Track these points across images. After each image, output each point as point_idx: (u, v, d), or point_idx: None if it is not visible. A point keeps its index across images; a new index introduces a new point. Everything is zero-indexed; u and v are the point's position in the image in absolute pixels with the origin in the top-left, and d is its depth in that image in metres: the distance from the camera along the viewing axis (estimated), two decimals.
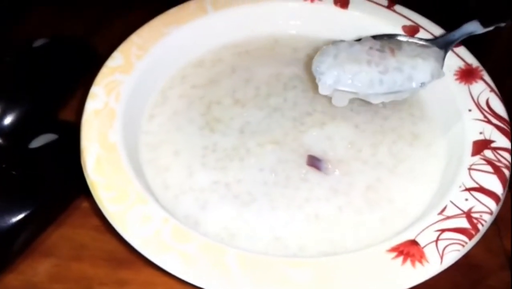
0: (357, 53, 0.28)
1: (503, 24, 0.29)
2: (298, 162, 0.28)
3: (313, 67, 0.29)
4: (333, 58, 0.28)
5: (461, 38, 0.30)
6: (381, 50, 0.28)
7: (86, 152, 0.26)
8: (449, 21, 0.32)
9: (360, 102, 0.31)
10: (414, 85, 0.28)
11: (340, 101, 0.29)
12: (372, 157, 0.29)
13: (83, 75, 0.36)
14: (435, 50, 0.29)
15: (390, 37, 0.31)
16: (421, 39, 0.31)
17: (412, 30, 0.32)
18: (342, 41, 0.29)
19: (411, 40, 0.31)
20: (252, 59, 0.34)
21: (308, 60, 0.33)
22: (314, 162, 0.28)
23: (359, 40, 0.30)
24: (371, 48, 0.28)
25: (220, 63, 0.33)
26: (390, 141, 0.29)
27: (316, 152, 0.29)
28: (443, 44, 0.30)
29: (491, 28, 0.29)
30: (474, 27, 0.30)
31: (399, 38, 0.31)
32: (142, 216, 0.24)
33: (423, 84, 0.28)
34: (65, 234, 0.30)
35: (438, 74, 0.28)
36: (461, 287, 0.28)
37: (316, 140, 0.29)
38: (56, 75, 0.35)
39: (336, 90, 0.28)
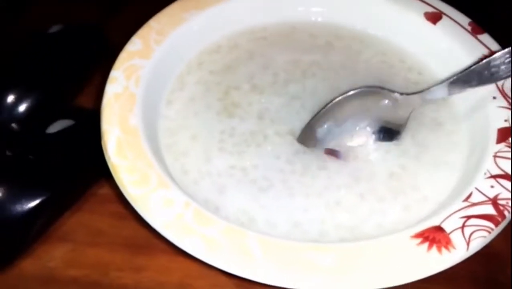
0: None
1: (468, 90, 0.28)
2: (316, 153, 0.28)
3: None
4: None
5: (428, 102, 0.29)
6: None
7: (107, 135, 0.26)
8: (473, 7, 0.31)
9: None
10: None
11: None
12: (394, 145, 0.28)
13: (96, 62, 0.36)
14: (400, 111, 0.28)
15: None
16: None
17: (434, 17, 0.32)
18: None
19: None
20: (269, 45, 0.33)
21: (327, 47, 0.33)
22: (331, 150, 0.28)
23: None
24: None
25: (237, 49, 0.33)
26: (413, 129, 0.29)
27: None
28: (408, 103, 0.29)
29: (457, 93, 0.28)
30: (441, 92, 0.28)
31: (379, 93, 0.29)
32: (164, 199, 0.24)
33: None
34: (82, 220, 0.29)
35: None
36: (479, 277, 0.27)
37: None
38: (71, 61, 0.35)
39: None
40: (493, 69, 0.27)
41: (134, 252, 0.28)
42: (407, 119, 0.29)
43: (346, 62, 0.32)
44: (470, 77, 0.27)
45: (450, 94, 0.28)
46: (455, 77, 0.28)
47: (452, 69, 0.30)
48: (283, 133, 0.29)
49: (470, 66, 0.27)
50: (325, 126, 0.29)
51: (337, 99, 0.29)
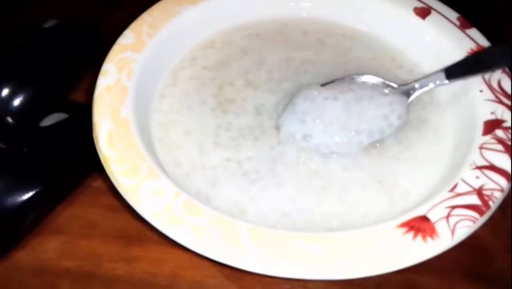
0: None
1: (465, 79, 0.29)
2: (306, 147, 0.28)
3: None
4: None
5: (426, 87, 0.29)
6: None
7: (98, 127, 0.26)
8: (461, 2, 0.32)
9: None
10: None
11: None
12: (379, 143, 0.28)
13: (90, 57, 0.36)
14: (398, 98, 0.29)
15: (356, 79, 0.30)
16: (385, 84, 0.30)
17: (423, 12, 0.32)
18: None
19: (375, 82, 0.30)
20: (262, 42, 0.34)
21: (319, 45, 0.33)
22: None
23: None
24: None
25: (230, 45, 0.33)
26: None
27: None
28: (407, 91, 0.30)
29: (454, 82, 0.29)
30: (439, 79, 0.29)
31: (365, 79, 0.30)
32: (154, 190, 0.24)
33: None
34: (76, 212, 0.30)
35: (394, 125, 0.28)
36: (468, 269, 0.28)
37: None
38: (65, 55, 0.35)
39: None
40: (489, 59, 0.27)
41: (127, 244, 0.28)
42: (405, 115, 0.29)
43: (338, 59, 0.33)
44: (467, 64, 0.28)
45: (447, 80, 0.29)
46: (452, 64, 0.28)
47: (441, 67, 0.31)
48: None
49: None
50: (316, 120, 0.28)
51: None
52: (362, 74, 0.30)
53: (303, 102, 0.29)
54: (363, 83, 0.30)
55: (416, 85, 0.30)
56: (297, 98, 0.29)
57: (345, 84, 0.30)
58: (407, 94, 0.30)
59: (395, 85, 0.30)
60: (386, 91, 0.29)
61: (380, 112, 0.28)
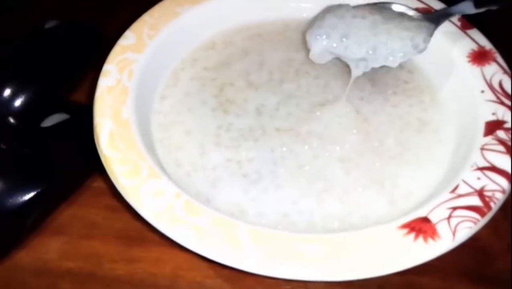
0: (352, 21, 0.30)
1: (494, 8, 0.29)
2: (308, 147, 0.28)
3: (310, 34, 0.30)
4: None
5: (454, 15, 0.31)
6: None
7: (99, 127, 0.26)
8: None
9: (371, 91, 0.31)
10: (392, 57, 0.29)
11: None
12: (380, 145, 0.28)
13: (91, 58, 0.36)
14: (425, 24, 0.30)
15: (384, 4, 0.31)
16: (415, 10, 0.31)
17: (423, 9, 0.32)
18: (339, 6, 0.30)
19: (403, 11, 0.31)
20: (263, 42, 0.34)
21: None
22: None
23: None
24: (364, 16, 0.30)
25: (231, 46, 0.33)
26: (397, 129, 0.29)
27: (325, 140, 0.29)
28: (435, 18, 0.30)
29: (482, 10, 0.29)
30: (467, 7, 0.30)
31: (393, 7, 0.31)
32: (155, 190, 0.24)
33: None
34: (77, 213, 0.30)
35: (420, 47, 0.29)
36: (469, 270, 0.28)
37: (326, 128, 0.29)
38: (66, 56, 0.35)
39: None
40: None
41: (128, 244, 0.28)
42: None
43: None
44: None
45: (475, 9, 0.29)
46: None
47: (442, 67, 0.31)
48: (281, 129, 0.29)
49: None
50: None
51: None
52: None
53: (332, 17, 0.30)
54: (391, 9, 0.31)
55: (445, 12, 0.30)
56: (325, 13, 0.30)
57: (375, 7, 0.31)
58: (435, 21, 0.30)
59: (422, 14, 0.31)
60: (413, 16, 0.30)
61: (406, 35, 0.29)
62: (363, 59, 0.29)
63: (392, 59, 0.29)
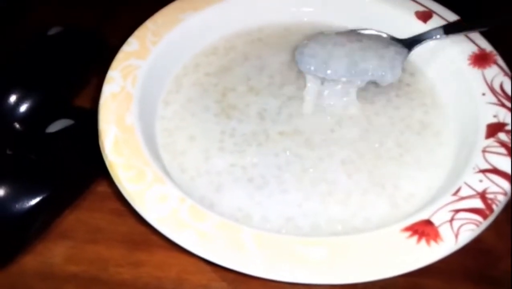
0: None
1: (465, 33, 0.31)
2: (311, 151, 0.29)
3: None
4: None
5: (427, 41, 0.31)
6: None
7: (104, 133, 0.26)
8: (463, 6, 0.32)
9: (373, 92, 0.31)
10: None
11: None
12: (381, 147, 0.29)
13: (94, 64, 0.37)
14: (397, 49, 0.31)
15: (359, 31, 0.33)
16: (391, 37, 0.32)
17: (425, 16, 0.32)
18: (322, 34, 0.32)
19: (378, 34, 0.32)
20: (264, 47, 0.34)
21: None
22: None
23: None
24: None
25: (232, 51, 0.34)
26: (398, 132, 0.29)
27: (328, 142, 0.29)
28: (408, 44, 0.31)
29: (452, 36, 0.31)
30: (439, 33, 0.31)
31: (368, 32, 0.32)
32: (159, 195, 0.24)
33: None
34: (81, 218, 0.30)
35: (394, 73, 0.30)
36: (473, 271, 0.28)
37: (328, 130, 0.30)
38: (70, 62, 0.36)
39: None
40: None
41: (133, 248, 0.29)
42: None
43: None
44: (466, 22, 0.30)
45: (445, 35, 0.31)
46: (451, 22, 0.31)
47: (443, 70, 0.31)
48: (284, 133, 0.29)
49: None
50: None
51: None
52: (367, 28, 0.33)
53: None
54: (369, 35, 0.32)
55: (418, 38, 0.31)
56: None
57: (353, 34, 0.32)
58: (409, 46, 0.31)
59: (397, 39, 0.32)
60: (388, 43, 0.31)
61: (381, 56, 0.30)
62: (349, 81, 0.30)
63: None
